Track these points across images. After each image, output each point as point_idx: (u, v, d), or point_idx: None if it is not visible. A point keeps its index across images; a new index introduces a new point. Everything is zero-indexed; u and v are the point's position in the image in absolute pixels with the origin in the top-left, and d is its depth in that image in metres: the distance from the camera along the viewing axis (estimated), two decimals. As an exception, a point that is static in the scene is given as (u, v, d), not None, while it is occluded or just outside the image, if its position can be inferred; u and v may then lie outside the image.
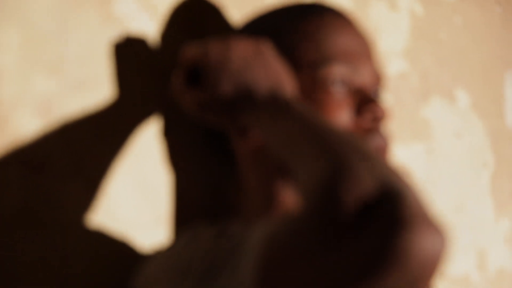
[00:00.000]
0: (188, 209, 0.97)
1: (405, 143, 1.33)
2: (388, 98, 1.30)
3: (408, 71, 1.35)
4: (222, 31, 1.02)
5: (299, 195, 0.63)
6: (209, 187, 1.00)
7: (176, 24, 0.98)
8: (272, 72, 0.79)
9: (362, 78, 0.86)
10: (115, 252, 0.89)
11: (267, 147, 0.81)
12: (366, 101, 0.83)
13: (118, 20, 0.92)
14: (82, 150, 0.87)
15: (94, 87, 0.89)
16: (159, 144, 0.95)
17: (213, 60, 0.80)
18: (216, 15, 1.03)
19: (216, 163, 1.00)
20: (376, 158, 0.59)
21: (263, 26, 0.90)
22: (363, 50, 0.86)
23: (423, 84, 1.38)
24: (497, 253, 1.52)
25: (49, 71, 0.85)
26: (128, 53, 0.93)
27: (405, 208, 0.55)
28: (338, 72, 0.84)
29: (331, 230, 0.56)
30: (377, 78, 0.88)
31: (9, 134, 0.82)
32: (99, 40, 0.90)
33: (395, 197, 0.55)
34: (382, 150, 0.83)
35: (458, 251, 1.41)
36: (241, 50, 0.80)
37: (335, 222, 0.55)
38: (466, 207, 1.45)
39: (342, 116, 0.83)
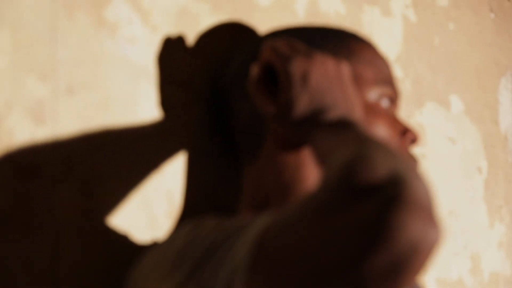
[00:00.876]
0: (196, 206, 0.98)
1: (398, 148, 1.33)
2: (381, 103, 1.30)
3: (401, 76, 1.35)
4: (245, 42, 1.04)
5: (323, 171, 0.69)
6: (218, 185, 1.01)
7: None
8: (348, 96, 0.81)
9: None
10: (109, 255, 0.90)
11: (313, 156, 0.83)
12: (408, 127, 0.94)
13: (111, 24, 0.93)
14: (74, 154, 0.88)
15: (86, 91, 0.90)
16: (154, 146, 0.96)
17: (296, 73, 0.81)
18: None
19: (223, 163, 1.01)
20: (396, 154, 0.66)
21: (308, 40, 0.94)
22: (391, 72, 0.96)
23: (416, 89, 1.39)
24: (490, 257, 1.52)
25: (41, 75, 0.86)
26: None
27: (407, 192, 0.61)
28: (388, 92, 0.93)
29: (340, 196, 0.62)
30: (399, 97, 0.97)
31: (2, 137, 0.82)
32: (91, 44, 0.91)
33: (401, 183, 0.61)
34: None
35: (452, 255, 1.42)
36: (324, 68, 0.82)
37: (345, 190, 0.62)
38: (460, 211, 1.45)
39: (391, 133, 0.92)
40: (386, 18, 1.34)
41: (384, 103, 0.93)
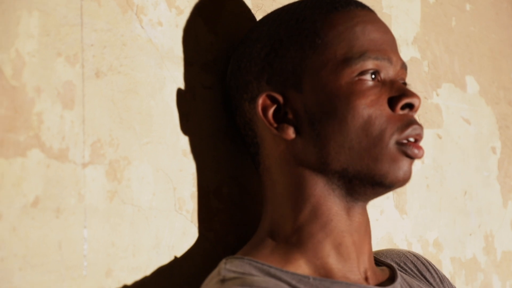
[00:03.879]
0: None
1: (415, 129, 1.34)
2: (399, 85, 1.31)
3: (419, 58, 1.36)
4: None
5: None
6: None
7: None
8: None
9: (394, 69, 0.90)
10: (135, 237, 0.91)
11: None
12: (402, 90, 0.88)
13: (137, 7, 0.94)
14: (102, 137, 0.89)
15: (113, 75, 0.91)
16: (180, 128, 0.97)
17: None
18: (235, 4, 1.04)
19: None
20: None
21: (289, 14, 0.93)
22: (391, 42, 0.91)
23: (433, 71, 1.39)
24: (503, 236, 1.54)
25: (69, 58, 0.87)
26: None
27: None
28: (372, 64, 0.87)
29: None
30: (404, 69, 0.92)
31: (32, 121, 0.83)
32: (118, 28, 0.92)
33: None
34: (420, 138, 0.88)
35: (466, 235, 1.43)
36: None
37: None
38: (474, 191, 1.47)
39: (379, 106, 0.86)
40: (405, 1, 1.34)
41: (367, 77, 0.87)
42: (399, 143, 0.86)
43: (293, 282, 0.82)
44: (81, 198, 0.86)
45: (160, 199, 0.94)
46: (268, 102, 0.90)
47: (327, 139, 0.86)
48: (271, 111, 0.89)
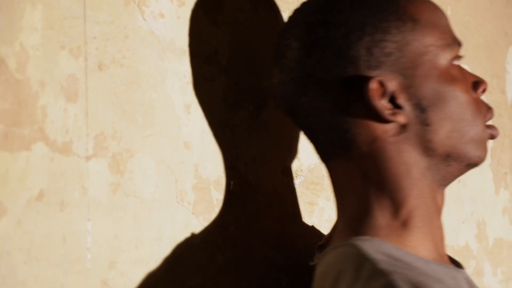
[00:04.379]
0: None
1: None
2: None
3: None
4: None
5: None
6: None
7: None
8: None
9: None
10: (138, 229, 0.91)
11: None
12: (476, 76, 0.95)
13: (140, 0, 0.93)
14: (105, 130, 0.89)
15: (116, 67, 0.91)
16: (181, 120, 0.97)
17: None
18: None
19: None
20: None
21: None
22: (450, 25, 0.95)
23: (429, 60, 1.40)
24: (495, 223, 1.56)
25: (72, 51, 0.87)
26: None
27: None
28: (456, 51, 0.92)
29: None
30: None
31: (36, 114, 0.83)
32: (120, 20, 0.92)
33: None
34: (495, 137, 0.95)
35: (460, 223, 1.45)
36: None
37: None
38: (467, 179, 1.48)
39: (471, 91, 0.92)
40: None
41: (458, 62, 0.93)
42: (487, 126, 0.93)
43: (439, 273, 0.85)
44: (84, 191, 0.87)
45: (162, 191, 0.94)
46: (376, 87, 0.88)
47: (438, 125, 0.89)
48: (380, 96, 0.88)
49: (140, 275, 0.91)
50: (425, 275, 0.81)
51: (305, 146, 1.12)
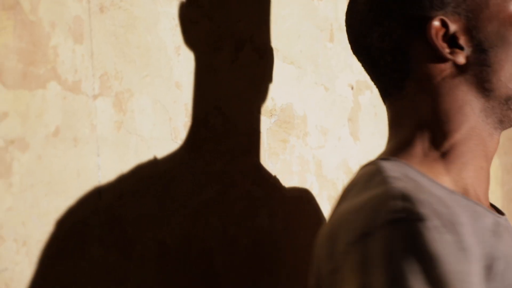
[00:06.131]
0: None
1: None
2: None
3: None
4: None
5: None
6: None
7: None
8: None
9: None
10: (145, 166, 0.97)
11: None
12: None
13: None
14: (109, 70, 0.93)
15: (115, 10, 0.95)
16: (171, 66, 1.02)
17: None
18: None
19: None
20: None
21: None
22: None
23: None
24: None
25: (75, -6, 0.90)
26: None
27: None
28: None
29: None
30: None
31: (49, 55, 0.87)
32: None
33: None
34: None
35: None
36: None
37: None
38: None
39: None
40: None
41: None
42: None
43: (458, 205, 0.86)
44: (93, 128, 0.91)
45: (159, 130, 0.99)
46: (439, 26, 0.91)
47: (499, 66, 0.91)
48: (441, 35, 0.91)
49: (140, 206, 0.96)
50: (434, 198, 0.82)
51: (277, 87, 1.19)
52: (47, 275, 0.85)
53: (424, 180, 0.87)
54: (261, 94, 1.17)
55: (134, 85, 0.97)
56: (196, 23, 1.06)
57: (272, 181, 1.17)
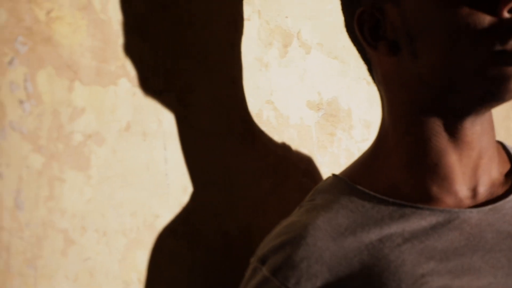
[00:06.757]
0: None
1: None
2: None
3: None
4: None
5: None
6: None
7: None
8: None
9: None
10: (207, 158, 0.99)
11: None
12: None
13: None
14: (171, 67, 0.96)
15: (178, 7, 0.98)
16: (227, 58, 1.05)
17: None
18: None
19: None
20: None
21: None
22: None
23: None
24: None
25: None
26: None
27: None
28: None
29: None
30: None
31: (119, 51, 0.90)
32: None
33: None
34: None
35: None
36: None
37: None
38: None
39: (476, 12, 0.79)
40: None
41: None
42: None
43: (381, 214, 0.85)
44: (160, 123, 0.94)
45: (217, 124, 1.02)
46: (365, 17, 0.85)
47: (426, 56, 0.82)
48: (367, 28, 0.85)
49: (204, 198, 0.99)
50: (310, 247, 0.83)
51: (323, 82, 1.22)
52: (125, 264, 0.88)
53: (344, 198, 0.88)
54: (308, 88, 1.20)
55: (194, 81, 1.00)
56: (247, 20, 1.09)
57: (321, 174, 1.20)
